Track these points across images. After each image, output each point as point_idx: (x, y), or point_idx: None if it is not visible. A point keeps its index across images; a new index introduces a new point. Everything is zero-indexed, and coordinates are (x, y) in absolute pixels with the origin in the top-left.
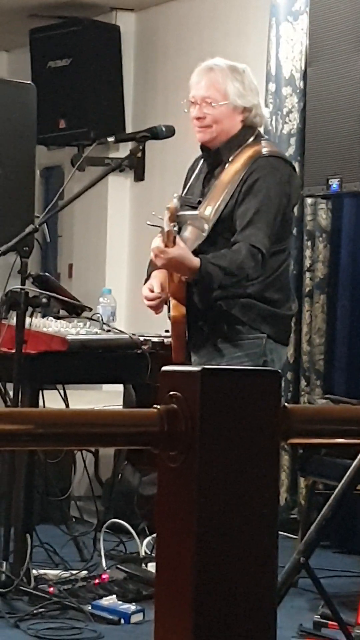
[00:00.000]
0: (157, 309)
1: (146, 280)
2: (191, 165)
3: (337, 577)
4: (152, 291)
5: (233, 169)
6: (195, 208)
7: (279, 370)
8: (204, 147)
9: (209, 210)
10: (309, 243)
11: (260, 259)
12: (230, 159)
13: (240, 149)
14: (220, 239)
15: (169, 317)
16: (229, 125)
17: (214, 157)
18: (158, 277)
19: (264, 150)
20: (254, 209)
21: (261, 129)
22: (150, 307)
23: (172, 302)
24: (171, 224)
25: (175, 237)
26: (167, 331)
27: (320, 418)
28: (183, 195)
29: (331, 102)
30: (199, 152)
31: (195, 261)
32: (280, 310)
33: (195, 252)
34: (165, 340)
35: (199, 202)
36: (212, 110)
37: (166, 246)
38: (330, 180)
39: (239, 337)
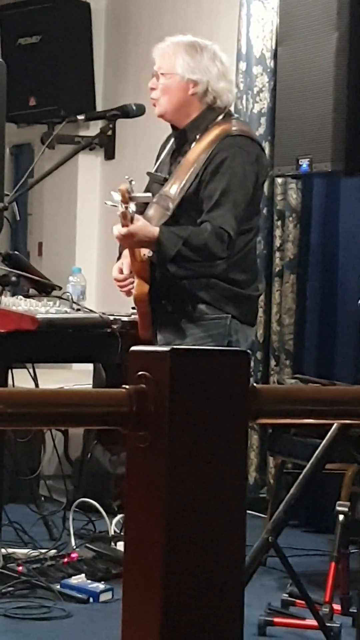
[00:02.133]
0: (128, 292)
1: (118, 258)
2: (163, 142)
3: (305, 555)
4: (122, 272)
5: (199, 148)
6: (162, 185)
7: (248, 351)
8: (173, 126)
9: (174, 189)
10: (279, 223)
11: (227, 240)
12: (197, 138)
13: (208, 128)
14: (185, 217)
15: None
16: (177, 98)
17: (180, 136)
18: (128, 257)
19: (232, 129)
20: (221, 189)
21: (231, 109)
22: (121, 288)
23: (137, 280)
24: (124, 205)
25: (132, 216)
26: (133, 308)
27: (289, 398)
28: (154, 171)
29: (302, 82)
30: (170, 131)
31: (155, 230)
32: (246, 291)
33: None
34: (135, 318)
35: (165, 180)
36: (161, 81)
37: (125, 226)
38: (300, 160)
39: (203, 317)
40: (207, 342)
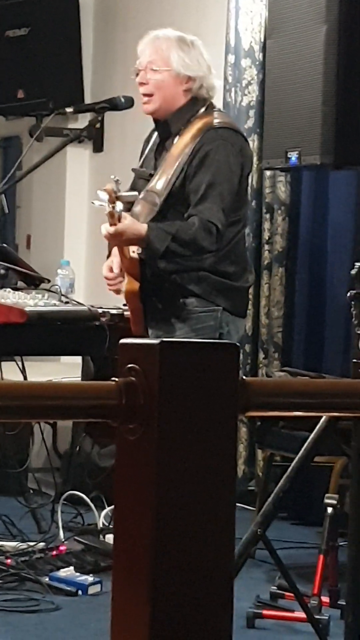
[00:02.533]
0: (117, 291)
1: (108, 255)
2: (147, 137)
3: (294, 548)
4: (112, 271)
5: (183, 142)
6: (149, 181)
7: (237, 343)
8: (155, 119)
9: (160, 184)
10: (267, 216)
11: (215, 232)
12: (179, 131)
13: (191, 121)
14: (172, 212)
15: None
16: (171, 93)
17: (163, 128)
18: (118, 255)
19: (215, 122)
20: (207, 183)
21: (213, 101)
22: (110, 286)
23: (127, 277)
24: (111, 205)
25: (119, 215)
26: (125, 305)
27: (278, 391)
28: (139, 167)
29: (290, 75)
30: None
31: (143, 228)
32: (236, 283)
33: None
34: (125, 313)
35: (151, 175)
36: (154, 76)
37: (112, 225)
38: (289, 153)
39: (194, 310)
40: (200, 334)
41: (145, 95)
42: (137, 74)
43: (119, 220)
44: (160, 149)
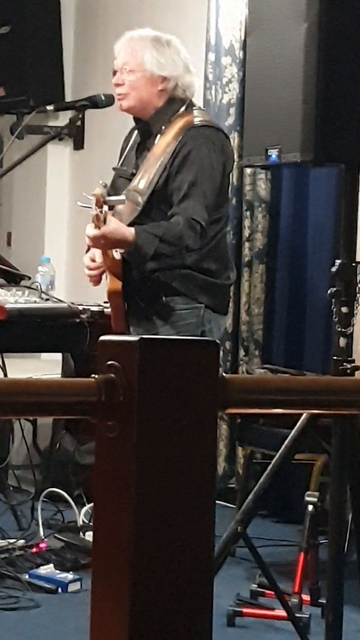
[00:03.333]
0: (96, 282)
1: (88, 249)
2: (127, 136)
3: (274, 546)
4: (94, 261)
5: (164, 141)
6: (130, 180)
7: (218, 340)
8: (136, 119)
9: (143, 183)
10: (248, 213)
11: (199, 230)
12: (161, 130)
13: (171, 120)
14: (155, 211)
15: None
16: (147, 93)
17: (144, 128)
18: (101, 254)
19: (196, 121)
20: (189, 181)
21: (194, 99)
22: (90, 277)
23: (109, 276)
24: (99, 209)
25: (105, 218)
26: (106, 302)
27: (258, 388)
28: (119, 166)
29: (271, 72)
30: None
31: (130, 231)
32: (218, 280)
33: (131, 226)
34: (106, 310)
35: (133, 174)
36: (129, 77)
37: (98, 228)
38: (269, 150)
39: (176, 308)
40: (181, 332)
41: (120, 94)
42: (114, 73)
43: (104, 223)
44: (141, 149)
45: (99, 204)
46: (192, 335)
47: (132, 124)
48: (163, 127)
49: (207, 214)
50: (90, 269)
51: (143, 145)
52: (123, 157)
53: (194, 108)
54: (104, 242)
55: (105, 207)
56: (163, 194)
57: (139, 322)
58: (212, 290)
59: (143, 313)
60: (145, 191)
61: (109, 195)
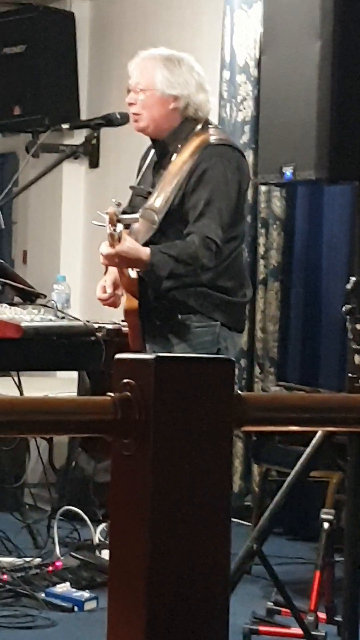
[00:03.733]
0: (114, 305)
1: (106, 270)
2: (143, 154)
3: (290, 564)
4: (105, 291)
5: (181, 160)
6: (146, 199)
7: (233, 358)
8: (152, 138)
9: (159, 201)
10: (262, 230)
11: (214, 249)
12: (177, 149)
13: (187, 138)
14: (171, 229)
15: None
16: (159, 113)
17: (160, 148)
18: (112, 274)
19: (212, 139)
20: (205, 199)
21: (214, 117)
22: (105, 305)
23: (126, 294)
24: (112, 227)
25: (119, 236)
26: (123, 320)
27: (273, 405)
28: (136, 184)
29: (285, 90)
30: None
31: (145, 251)
32: (234, 298)
33: (147, 244)
34: (123, 328)
35: (149, 193)
36: (140, 96)
37: (112, 247)
38: (284, 168)
39: (192, 326)
40: (196, 350)
41: (134, 114)
42: (128, 92)
43: (119, 241)
44: (158, 167)
45: (113, 223)
46: (208, 353)
47: (148, 141)
48: (179, 146)
49: (222, 232)
50: (102, 299)
51: (159, 164)
52: (140, 175)
53: (210, 126)
54: (118, 261)
55: (120, 226)
56: (179, 212)
57: (154, 340)
58: (228, 308)
59: (158, 331)
60: (162, 210)
61: (123, 213)
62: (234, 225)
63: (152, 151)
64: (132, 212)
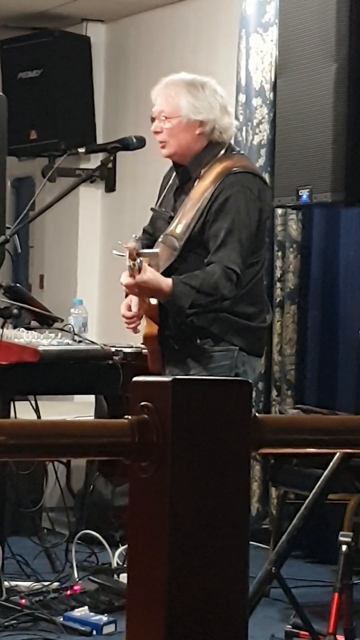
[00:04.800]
0: (134, 329)
1: (126, 295)
2: (166, 174)
3: (308, 586)
4: (130, 309)
5: (202, 186)
6: (168, 223)
7: (250, 381)
8: (174, 162)
9: (180, 228)
10: (279, 253)
11: (235, 279)
12: (199, 175)
13: (210, 164)
14: (192, 256)
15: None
16: (186, 139)
17: (182, 173)
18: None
19: (235, 167)
20: (226, 229)
21: (232, 141)
22: (128, 325)
23: (146, 320)
24: (132, 262)
25: (140, 267)
26: (142, 344)
27: (291, 428)
28: (157, 207)
29: (301, 113)
30: (170, 163)
31: (166, 282)
32: (254, 323)
33: (168, 270)
34: (143, 351)
35: (171, 218)
36: (166, 124)
37: (132, 277)
38: (300, 190)
39: (211, 350)
40: (214, 374)
41: (160, 142)
42: (153, 120)
43: (139, 272)
44: (179, 192)
45: (133, 257)
46: (226, 377)
47: (164, 165)
48: (201, 172)
49: (242, 262)
50: (127, 318)
51: (181, 189)
52: (161, 198)
53: (234, 153)
54: (139, 291)
55: (139, 259)
56: (200, 239)
57: (174, 365)
58: (247, 333)
59: (177, 355)
60: (183, 236)
61: (144, 232)
62: (254, 252)
63: (174, 174)
64: (153, 233)
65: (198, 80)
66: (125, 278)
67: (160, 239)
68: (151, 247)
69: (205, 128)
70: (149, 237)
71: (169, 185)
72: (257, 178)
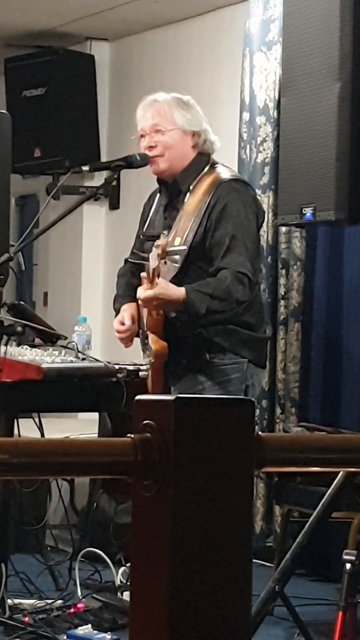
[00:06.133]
0: (127, 342)
1: (116, 315)
2: (147, 201)
3: (312, 605)
4: (123, 324)
5: (196, 198)
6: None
7: (258, 395)
8: (161, 180)
9: (178, 241)
10: (283, 271)
11: (247, 282)
12: (189, 189)
13: (199, 177)
14: (193, 268)
15: (143, 350)
16: (181, 151)
17: (172, 188)
18: (128, 310)
19: (223, 176)
20: (230, 235)
21: (229, 158)
22: (121, 339)
23: (151, 336)
24: (161, 261)
25: (159, 272)
26: (142, 365)
27: (295, 446)
28: (144, 230)
29: (305, 131)
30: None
31: (180, 291)
32: (258, 334)
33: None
34: (140, 373)
35: (164, 235)
36: (161, 137)
37: (151, 282)
38: (304, 209)
39: (221, 363)
40: (225, 388)
41: (155, 157)
42: (142, 137)
43: (158, 277)
44: (170, 209)
45: (162, 255)
46: (237, 390)
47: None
48: (191, 187)
49: (251, 265)
50: (120, 332)
51: (172, 205)
52: (148, 221)
53: (217, 164)
54: (157, 303)
55: (163, 261)
56: (201, 250)
57: (180, 381)
58: (254, 344)
59: (185, 370)
60: (182, 249)
61: (132, 257)
62: (255, 258)
63: (157, 196)
64: (142, 259)
65: (183, 97)
66: (143, 291)
67: (184, 245)
68: (137, 273)
69: (199, 139)
70: (139, 259)
71: (153, 209)
72: (247, 185)
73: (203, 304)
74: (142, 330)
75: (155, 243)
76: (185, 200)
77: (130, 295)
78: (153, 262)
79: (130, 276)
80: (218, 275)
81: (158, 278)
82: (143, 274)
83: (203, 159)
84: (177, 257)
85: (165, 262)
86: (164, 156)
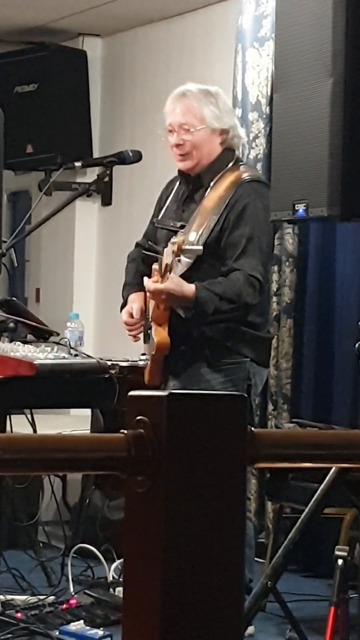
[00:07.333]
0: (135, 336)
1: (122, 304)
2: (166, 187)
3: (304, 601)
4: (132, 316)
5: (216, 195)
6: (174, 232)
7: (259, 393)
8: (182, 172)
9: (193, 236)
10: (275, 267)
11: (258, 287)
12: (211, 184)
13: (221, 173)
14: (205, 264)
15: (145, 340)
16: (209, 149)
17: (194, 182)
18: (137, 302)
19: (245, 176)
20: (247, 236)
21: (239, 151)
22: (130, 332)
23: (156, 328)
24: (176, 258)
25: (171, 268)
26: (143, 354)
27: (287, 442)
28: (159, 218)
29: (297, 128)
30: (167, 177)
31: (190, 288)
32: (262, 333)
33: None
34: (140, 363)
35: (182, 227)
36: (190, 136)
37: (162, 276)
38: (296, 205)
39: (223, 361)
40: (228, 386)
41: (182, 155)
42: (170, 132)
43: (170, 273)
44: (189, 201)
45: (177, 253)
46: (239, 389)
47: (161, 178)
48: (213, 182)
49: (263, 269)
50: (129, 324)
51: (191, 198)
52: (164, 208)
53: (241, 163)
54: (165, 297)
55: (183, 259)
56: (215, 247)
57: (181, 376)
58: (257, 343)
59: (187, 365)
60: (197, 244)
61: (138, 246)
62: (268, 261)
63: (177, 184)
64: (150, 247)
65: (211, 89)
66: (152, 283)
67: (199, 245)
68: (148, 261)
69: (227, 136)
70: (145, 250)
71: (171, 197)
72: (267, 187)
73: (211, 304)
74: (146, 320)
75: (172, 240)
76: (205, 195)
77: (139, 283)
78: (167, 257)
79: (140, 263)
80: (230, 276)
81: (170, 273)
82: (155, 266)
83: (228, 155)
84: (191, 255)
85: (179, 260)
86: (192, 154)
